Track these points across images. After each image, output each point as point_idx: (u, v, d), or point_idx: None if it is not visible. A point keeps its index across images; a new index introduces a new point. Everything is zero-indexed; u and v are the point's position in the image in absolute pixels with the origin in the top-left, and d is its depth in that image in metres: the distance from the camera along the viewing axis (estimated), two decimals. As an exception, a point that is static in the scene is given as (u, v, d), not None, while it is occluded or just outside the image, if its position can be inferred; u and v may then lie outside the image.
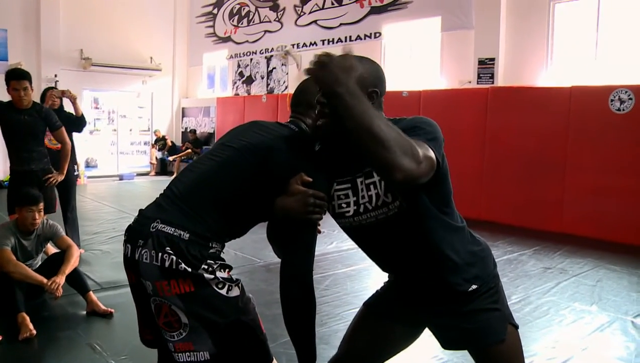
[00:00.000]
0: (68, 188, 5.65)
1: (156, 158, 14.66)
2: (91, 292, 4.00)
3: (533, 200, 7.49)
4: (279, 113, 11.47)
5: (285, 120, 1.90)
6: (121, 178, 13.51)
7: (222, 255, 1.72)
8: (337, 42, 10.83)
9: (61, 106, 5.80)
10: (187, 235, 1.62)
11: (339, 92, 1.36)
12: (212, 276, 1.64)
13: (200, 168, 1.77)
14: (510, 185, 7.72)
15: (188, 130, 14.72)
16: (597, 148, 6.92)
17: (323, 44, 11.13)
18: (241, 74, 13.57)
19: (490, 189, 7.94)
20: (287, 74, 12.18)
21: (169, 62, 15.06)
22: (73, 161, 5.70)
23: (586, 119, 7.01)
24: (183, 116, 15.39)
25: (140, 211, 1.78)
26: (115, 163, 14.47)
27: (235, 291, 1.70)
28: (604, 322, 3.96)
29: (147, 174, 14.51)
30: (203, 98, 14.81)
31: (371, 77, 1.64)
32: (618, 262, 5.70)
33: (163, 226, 1.63)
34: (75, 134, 5.81)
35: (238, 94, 13.60)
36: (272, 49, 12.42)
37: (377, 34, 10.13)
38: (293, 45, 11.79)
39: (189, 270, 1.60)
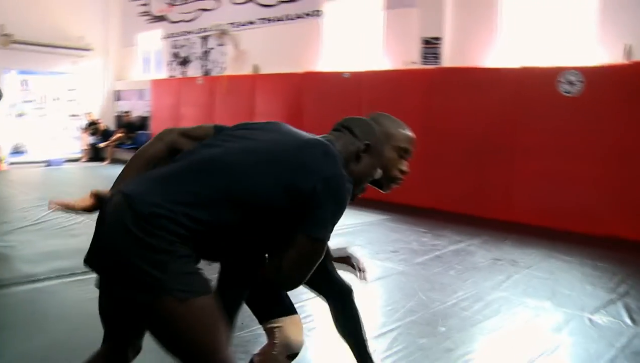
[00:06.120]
0: None
1: (88, 144, 13.75)
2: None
3: (480, 186, 7.15)
4: (216, 96, 10.82)
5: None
6: (48, 164, 12.59)
7: None
8: (275, 20, 10.25)
9: None
10: None
11: None
12: None
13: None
14: (456, 170, 7.36)
15: (123, 113, 13.88)
16: (545, 132, 6.63)
17: (262, 22, 10.53)
18: (177, 55, 12.81)
19: (435, 175, 7.51)
20: (225, 55, 11.50)
21: (101, 42, 14.11)
22: None
23: (535, 102, 6.71)
24: (118, 99, 14.51)
25: None
26: (46, 149, 13.49)
27: None
28: (560, 320, 3.60)
29: (78, 160, 13.59)
30: (138, 81, 13.95)
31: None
32: (569, 252, 5.42)
33: None
34: None
35: (173, 76, 12.84)
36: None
37: (318, 12, 9.60)
38: (230, 24, 11.12)
39: None
